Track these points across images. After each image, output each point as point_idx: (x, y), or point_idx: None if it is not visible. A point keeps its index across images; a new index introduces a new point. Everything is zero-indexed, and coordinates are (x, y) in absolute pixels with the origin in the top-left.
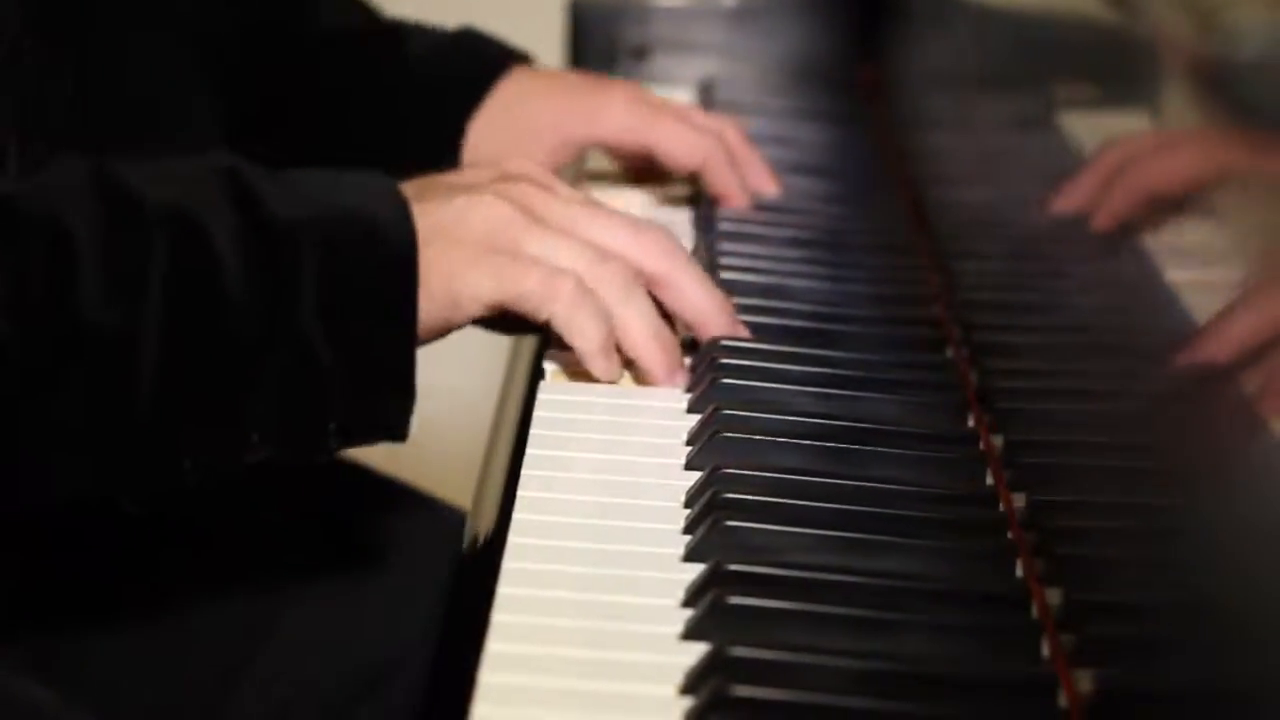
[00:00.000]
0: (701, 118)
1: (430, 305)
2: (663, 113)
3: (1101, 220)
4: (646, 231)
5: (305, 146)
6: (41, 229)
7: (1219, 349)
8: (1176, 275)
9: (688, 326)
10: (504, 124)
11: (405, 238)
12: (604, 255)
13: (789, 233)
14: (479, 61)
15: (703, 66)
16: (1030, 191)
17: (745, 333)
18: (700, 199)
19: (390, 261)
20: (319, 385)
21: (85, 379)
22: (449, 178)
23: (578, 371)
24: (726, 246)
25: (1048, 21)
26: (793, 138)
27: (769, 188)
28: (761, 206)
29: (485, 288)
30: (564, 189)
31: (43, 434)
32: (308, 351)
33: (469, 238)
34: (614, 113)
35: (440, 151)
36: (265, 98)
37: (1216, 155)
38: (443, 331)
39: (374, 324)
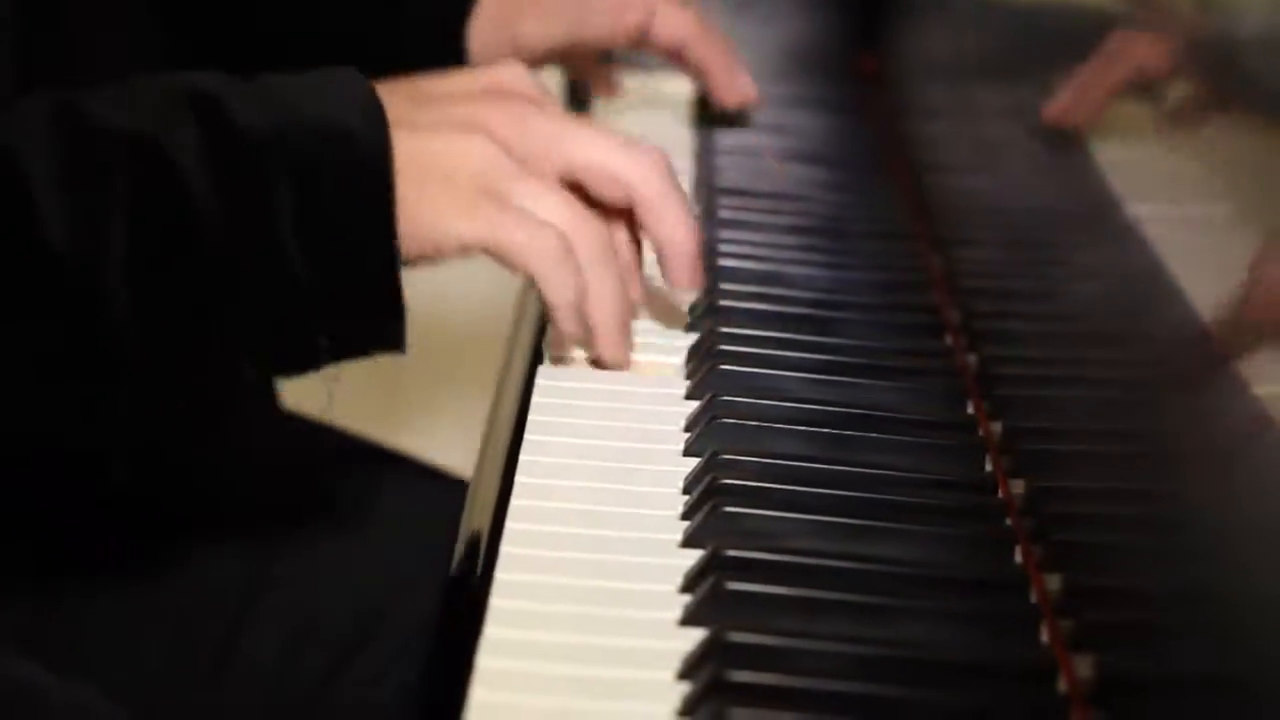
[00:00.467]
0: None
1: (410, 244)
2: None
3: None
4: (641, 150)
5: (282, 51)
6: None
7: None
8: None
9: (655, 250)
10: (499, 23)
11: (381, 155)
12: (586, 217)
13: (788, 220)
14: None
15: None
16: (1029, 178)
17: (699, 282)
18: (701, 179)
19: (366, 181)
20: (302, 304)
21: (59, 310)
22: (432, 85)
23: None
24: (725, 234)
25: (1046, 8)
26: (792, 125)
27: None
28: (760, 194)
29: (468, 234)
30: (554, 101)
31: (22, 370)
32: (286, 270)
33: (454, 178)
34: (604, 9)
35: (443, 51)
36: (261, 29)
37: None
38: (430, 258)
39: (352, 244)
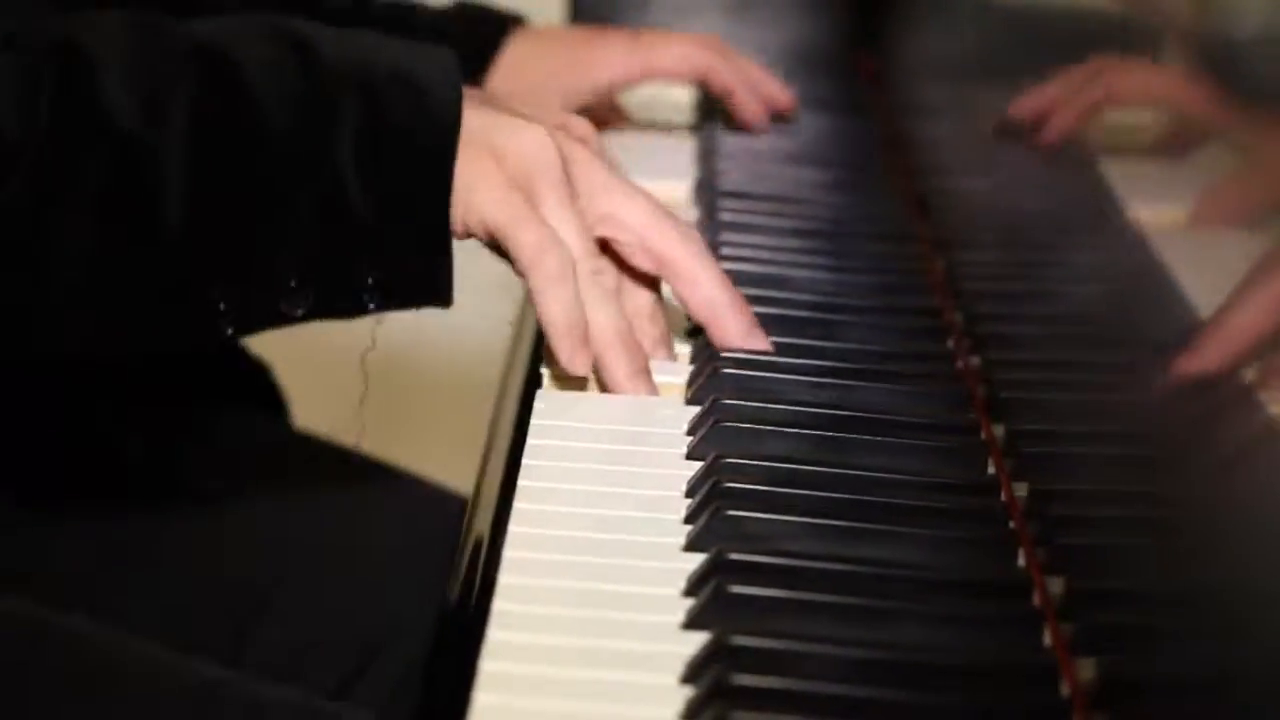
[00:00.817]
0: (685, 38)
1: (454, 194)
2: (656, 39)
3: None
4: (680, 226)
5: None
6: (61, 44)
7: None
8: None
9: (699, 323)
10: (515, 85)
11: (452, 108)
12: (597, 255)
13: (789, 223)
14: (482, 29)
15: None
16: (1033, 181)
17: (763, 341)
18: (703, 182)
19: (431, 131)
20: (353, 230)
21: (105, 185)
22: (512, 99)
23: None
24: (727, 236)
25: (1046, 9)
26: (793, 127)
27: (781, 96)
28: (762, 197)
29: (491, 212)
30: (610, 160)
31: (58, 256)
32: (341, 194)
33: (505, 159)
34: (614, 58)
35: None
36: None
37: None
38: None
39: (410, 178)
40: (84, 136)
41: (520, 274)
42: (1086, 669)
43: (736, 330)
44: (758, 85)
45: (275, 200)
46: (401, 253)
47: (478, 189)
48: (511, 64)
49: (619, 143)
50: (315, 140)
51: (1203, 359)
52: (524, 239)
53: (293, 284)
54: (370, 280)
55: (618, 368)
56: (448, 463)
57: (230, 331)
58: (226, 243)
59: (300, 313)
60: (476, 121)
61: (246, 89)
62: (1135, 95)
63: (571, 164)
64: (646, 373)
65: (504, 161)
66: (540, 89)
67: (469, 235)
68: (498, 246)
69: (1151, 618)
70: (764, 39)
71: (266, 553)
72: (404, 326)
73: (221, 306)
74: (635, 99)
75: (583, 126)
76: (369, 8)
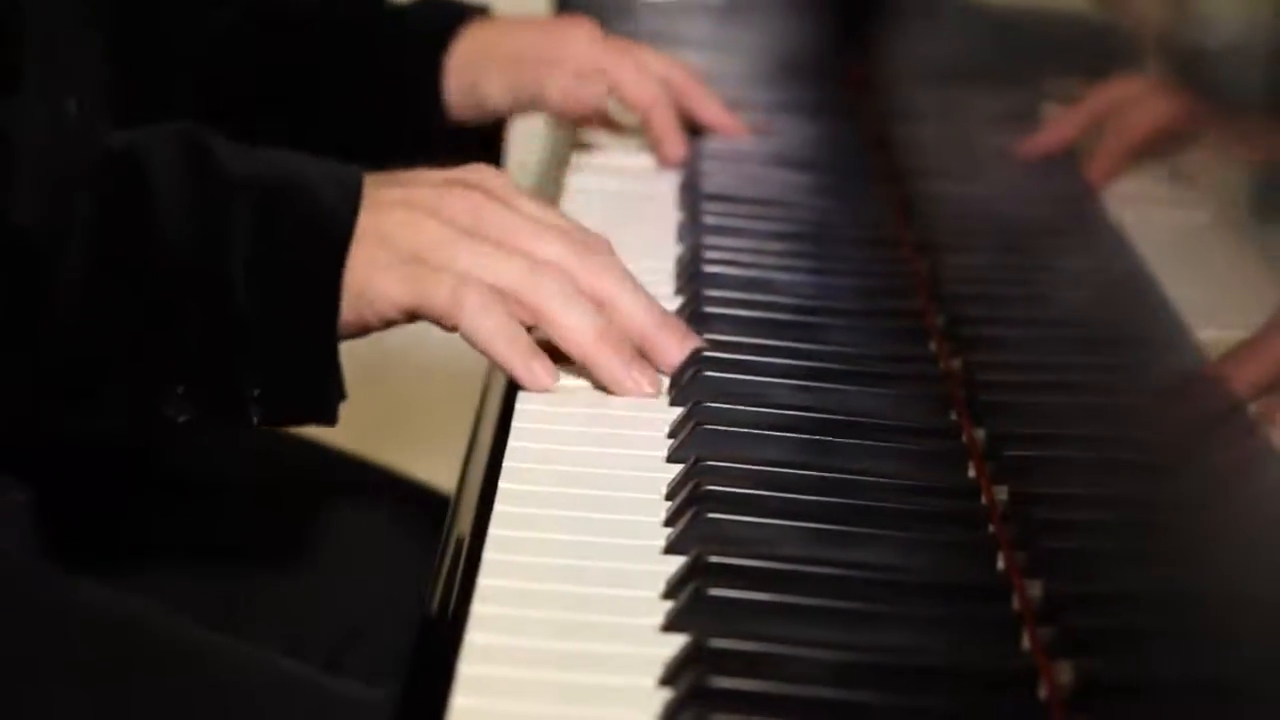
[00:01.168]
0: (652, 59)
1: (347, 297)
2: (620, 51)
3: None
4: (590, 248)
5: (286, 118)
6: None
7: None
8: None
9: (637, 348)
10: (477, 65)
11: (344, 218)
12: (539, 267)
13: (774, 226)
14: (440, 14)
15: (690, 61)
16: (1016, 185)
17: (692, 339)
18: (687, 185)
19: (323, 234)
20: (239, 337)
21: (8, 284)
22: (405, 177)
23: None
24: (711, 240)
25: (1035, 16)
26: (779, 131)
27: (724, 123)
28: (746, 199)
29: (396, 292)
30: (520, 199)
31: None
32: (229, 302)
33: (396, 246)
34: (577, 49)
35: (422, 104)
36: (239, 77)
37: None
38: (359, 329)
39: (298, 289)
40: None
41: (449, 329)
42: (1065, 672)
43: (667, 349)
44: (700, 116)
45: (168, 307)
46: (288, 366)
47: (374, 276)
48: (468, 50)
49: (604, 143)
50: (209, 248)
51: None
52: (433, 300)
53: (179, 390)
54: (255, 392)
55: (610, 365)
56: (432, 463)
57: (116, 421)
58: (116, 345)
59: (183, 419)
60: (369, 220)
61: (149, 199)
62: (1150, 130)
63: (475, 221)
64: (641, 361)
65: (397, 246)
66: (498, 71)
67: (388, 323)
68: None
69: (1130, 621)
70: (749, 42)
71: (247, 552)
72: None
73: (109, 399)
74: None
75: (481, 177)
76: (334, 2)
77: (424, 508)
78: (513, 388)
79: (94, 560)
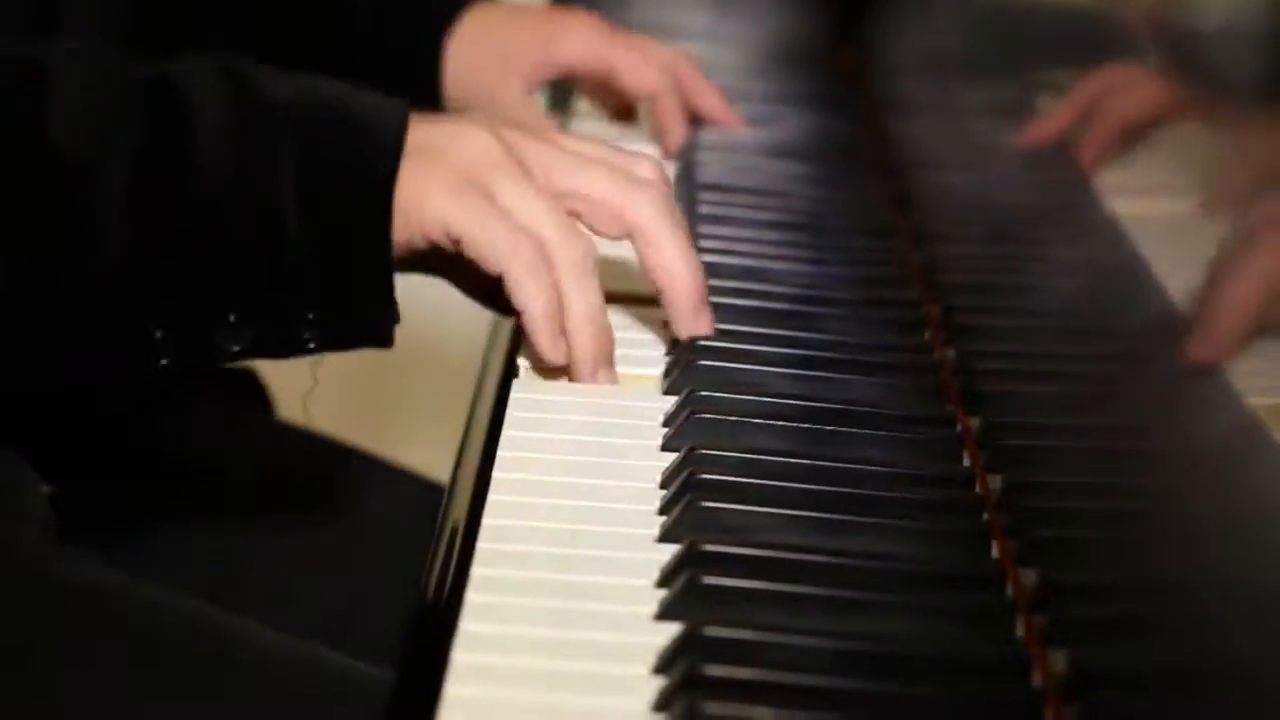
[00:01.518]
0: (655, 49)
1: (398, 215)
2: (622, 40)
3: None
4: (639, 181)
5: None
6: (18, 61)
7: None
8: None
9: (655, 286)
10: (477, 52)
11: (393, 133)
12: (571, 230)
13: (769, 215)
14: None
15: (684, 51)
16: (1011, 175)
17: (707, 316)
18: (682, 175)
19: (373, 150)
20: (292, 262)
21: (43, 209)
22: (449, 116)
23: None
24: (707, 229)
25: (1030, 6)
26: (774, 121)
27: (722, 115)
28: (741, 189)
29: (451, 216)
30: (561, 136)
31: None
32: (281, 230)
33: (451, 162)
34: (578, 37)
35: (420, 85)
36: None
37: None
38: (406, 250)
39: (349, 207)
40: (25, 159)
41: (492, 271)
42: (1058, 660)
43: (685, 303)
44: (700, 107)
45: (215, 234)
46: (342, 289)
47: (430, 196)
48: (474, 31)
49: (601, 134)
50: (254, 170)
51: (1211, 343)
52: (492, 235)
53: (231, 319)
54: (310, 317)
55: (582, 351)
56: (428, 453)
57: (165, 364)
58: (164, 274)
59: (237, 349)
60: (415, 137)
61: (191, 124)
62: (1140, 116)
63: (520, 151)
64: (609, 360)
65: (450, 164)
66: (500, 60)
67: (432, 245)
68: (437, 264)
69: (1124, 610)
70: (745, 33)
71: (243, 540)
72: None
73: (158, 336)
74: None
75: (520, 119)
76: None
77: (419, 496)
78: (507, 376)
79: (111, 549)
